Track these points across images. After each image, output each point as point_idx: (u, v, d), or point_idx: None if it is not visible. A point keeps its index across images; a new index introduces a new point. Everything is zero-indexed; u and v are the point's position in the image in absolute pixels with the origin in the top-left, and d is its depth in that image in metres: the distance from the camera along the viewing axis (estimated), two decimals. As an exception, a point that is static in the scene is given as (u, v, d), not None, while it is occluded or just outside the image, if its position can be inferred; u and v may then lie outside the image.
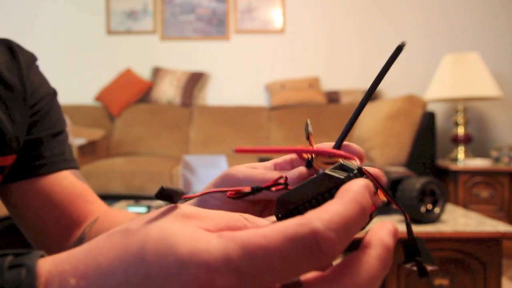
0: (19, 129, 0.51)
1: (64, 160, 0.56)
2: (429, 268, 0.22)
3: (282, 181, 0.25)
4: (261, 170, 0.30)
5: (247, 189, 0.24)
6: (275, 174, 0.29)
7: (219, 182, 0.30)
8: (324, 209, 0.19)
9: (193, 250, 0.18)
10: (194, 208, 0.22)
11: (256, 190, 0.24)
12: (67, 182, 0.56)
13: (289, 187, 0.24)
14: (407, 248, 0.23)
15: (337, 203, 0.19)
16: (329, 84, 3.43)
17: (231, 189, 0.24)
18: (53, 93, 0.58)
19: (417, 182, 1.24)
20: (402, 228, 0.98)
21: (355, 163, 0.23)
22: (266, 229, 0.18)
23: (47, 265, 0.21)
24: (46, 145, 0.55)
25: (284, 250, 0.18)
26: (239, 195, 0.24)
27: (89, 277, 0.20)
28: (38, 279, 0.20)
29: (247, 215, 0.22)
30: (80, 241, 0.54)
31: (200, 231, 0.19)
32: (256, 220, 0.22)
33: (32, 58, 0.56)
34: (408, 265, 0.23)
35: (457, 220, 1.32)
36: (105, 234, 0.22)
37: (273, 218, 0.24)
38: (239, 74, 3.50)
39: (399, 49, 0.26)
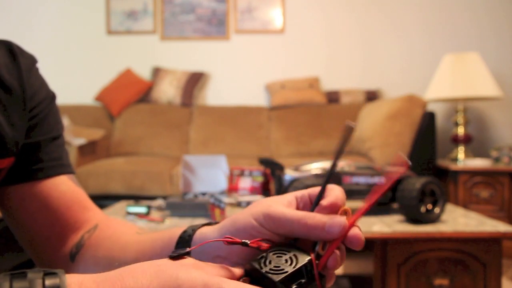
0: (17, 132, 0.51)
1: (61, 165, 0.56)
2: None
3: (264, 243, 0.33)
4: (297, 214, 0.34)
5: (239, 240, 0.32)
6: (311, 220, 0.33)
7: (262, 219, 0.35)
8: None
9: (218, 281, 0.27)
10: (195, 260, 0.31)
11: (244, 243, 0.32)
12: (64, 187, 0.55)
13: (266, 246, 0.33)
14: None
15: None
16: (329, 84, 3.43)
17: (225, 239, 0.33)
18: (52, 96, 0.58)
19: (417, 182, 1.24)
20: (400, 228, 0.99)
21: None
22: None
23: (75, 278, 0.27)
24: (44, 149, 0.54)
25: None
26: (232, 243, 0.33)
27: (125, 285, 0.27)
28: (71, 284, 0.27)
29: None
30: (78, 247, 0.54)
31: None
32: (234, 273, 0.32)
33: (32, 61, 0.56)
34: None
35: (457, 220, 1.32)
36: (134, 264, 0.29)
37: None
38: (239, 74, 3.50)
39: (349, 130, 0.33)
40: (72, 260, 0.54)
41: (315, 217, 0.33)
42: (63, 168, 0.56)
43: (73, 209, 0.55)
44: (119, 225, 0.56)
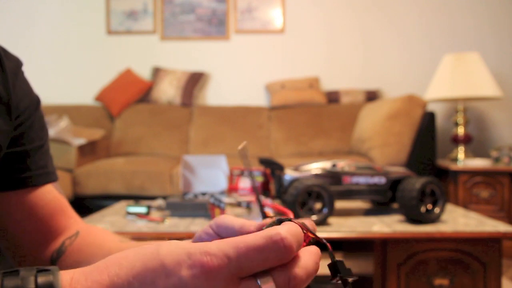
0: (2, 138, 0.50)
1: (48, 173, 0.56)
2: (350, 279, 0.31)
3: None
4: (242, 221, 0.36)
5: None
6: (251, 225, 0.35)
7: (213, 226, 0.37)
8: (282, 225, 0.29)
9: (197, 246, 0.26)
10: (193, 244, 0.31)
11: None
12: (50, 196, 0.56)
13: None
14: (331, 268, 0.31)
15: (288, 224, 0.29)
16: (329, 84, 3.43)
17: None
18: (37, 101, 0.57)
19: (417, 182, 1.24)
20: (400, 228, 0.98)
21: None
22: (248, 235, 0.27)
23: (68, 275, 0.27)
24: (32, 157, 0.54)
25: (260, 245, 0.26)
26: None
27: (111, 272, 0.27)
28: (63, 281, 0.26)
29: None
30: (59, 253, 0.55)
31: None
32: None
33: (18, 64, 0.55)
34: (334, 280, 0.31)
35: (457, 220, 1.32)
36: (118, 253, 0.29)
37: None
38: (239, 74, 3.50)
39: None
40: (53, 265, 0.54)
41: (254, 224, 0.36)
42: (49, 176, 0.57)
43: (56, 217, 0.56)
44: (101, 233, 0.58)
